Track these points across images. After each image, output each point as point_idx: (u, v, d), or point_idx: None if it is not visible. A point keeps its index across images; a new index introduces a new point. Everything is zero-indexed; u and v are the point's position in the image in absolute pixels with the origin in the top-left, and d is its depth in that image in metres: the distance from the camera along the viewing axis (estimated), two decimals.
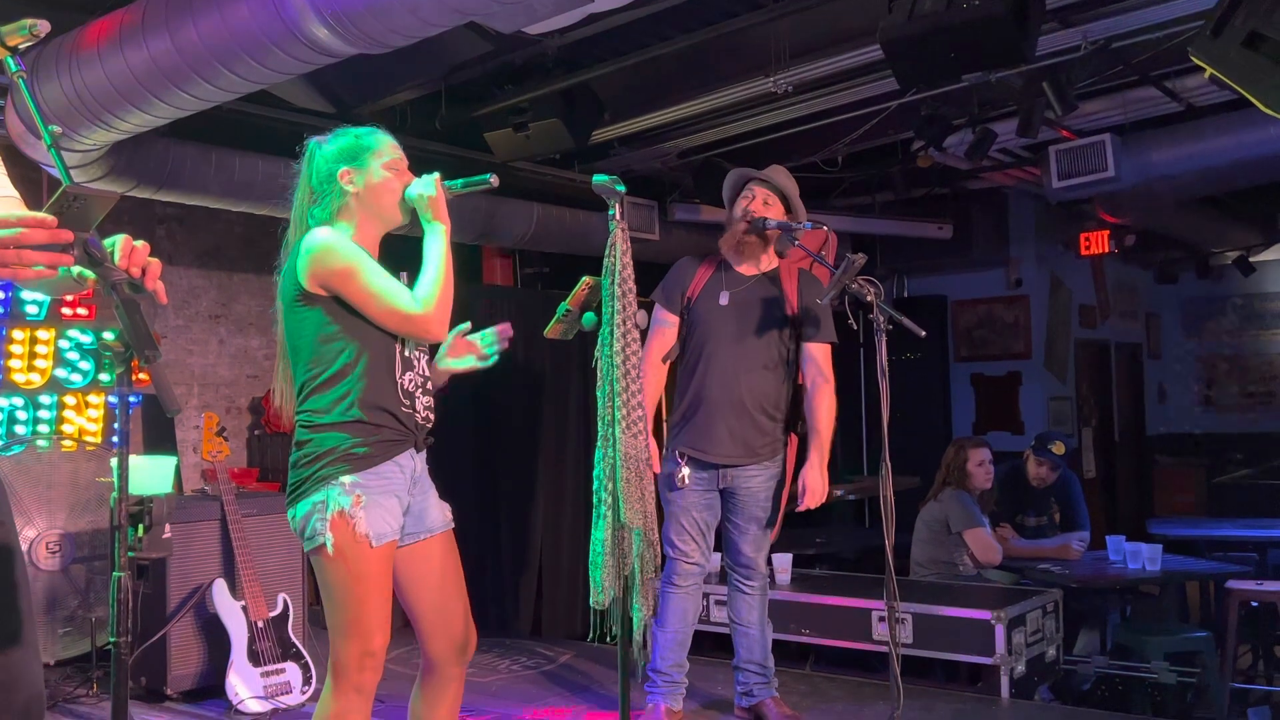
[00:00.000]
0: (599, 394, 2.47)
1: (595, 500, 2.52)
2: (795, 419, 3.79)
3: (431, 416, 2.49)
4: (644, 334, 3.43)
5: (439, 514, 2.50)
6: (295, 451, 2.39)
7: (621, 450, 2.37)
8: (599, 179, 2.43)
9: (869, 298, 3.11)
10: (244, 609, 4.18)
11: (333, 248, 2.35)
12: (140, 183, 4.66)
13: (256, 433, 6.46)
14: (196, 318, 6.26)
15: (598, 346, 2.47)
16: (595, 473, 2.54)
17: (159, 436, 5.45)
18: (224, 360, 6.38)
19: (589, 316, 2.51)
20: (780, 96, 4.97)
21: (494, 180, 2.45)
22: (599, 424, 2.50)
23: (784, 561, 5.00)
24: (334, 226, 2.45)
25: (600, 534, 2.44)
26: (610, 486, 2.43)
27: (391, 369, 2.41)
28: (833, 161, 6.42)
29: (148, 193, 4.78)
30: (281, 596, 4.30)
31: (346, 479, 2.32)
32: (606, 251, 2.42)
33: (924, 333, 3.14)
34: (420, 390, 2.48)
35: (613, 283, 2.39)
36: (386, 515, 2.35)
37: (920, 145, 5.84)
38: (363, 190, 2.48)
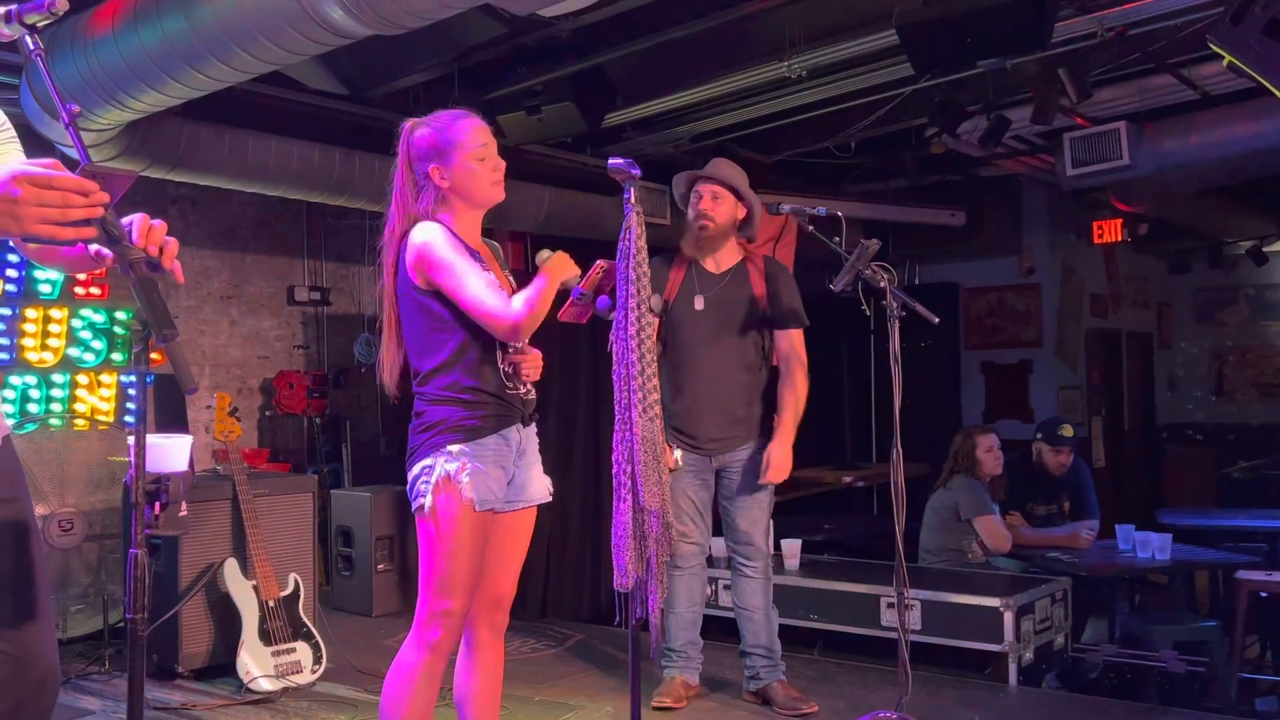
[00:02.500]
0: (615, 378, 2.47)
1: (615, 484, 2.53)
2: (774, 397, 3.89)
3: (534, 394, 2.65)
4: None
5: (540, 486, 2.68)
6: (413, 422, 2.57)
7: (639, 433, 2.38)
8: (614, 161, 2.43)
9: (882, 284, 3.11)
10: (255, 588, 4.20)
11: (431, 246, 2.50)
12: (154, 163, 4.66)
13: (268, 414, 6.49)
14: (208, 298, 6.28)
15: (612, 330, 2.47)
16: (614, 456, 2.56)
17: (170, 416, 5.47)
18: (235, 341, 6.40)
19: (603, 300, 2.51)
20: (794, 81, 4.95)
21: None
22: (616, 408, 2.50)
23: (793, 547, 5.01)
24: (435, 217, 2.59)
25: (624, 516, 2.46)
26: (629, 470, 2.44)
27: (493, 354, 2.56)
28: (846, 147, 6.40)
29: (161, 173, 4.79)
30: (292, 576, 4.32)
31: (454, 447, 2.48)
32: (621, 234, 2.42)
33: (937, 319, 3.13)
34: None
35: (628, 266, 2.39)
36: (490, 483, 2.51)
37: (934, 131, 5.81)
38: (454, 185, 2.60)
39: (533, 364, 2.61)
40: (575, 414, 6.33)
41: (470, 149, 2.60)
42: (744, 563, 3.84)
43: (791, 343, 3.85)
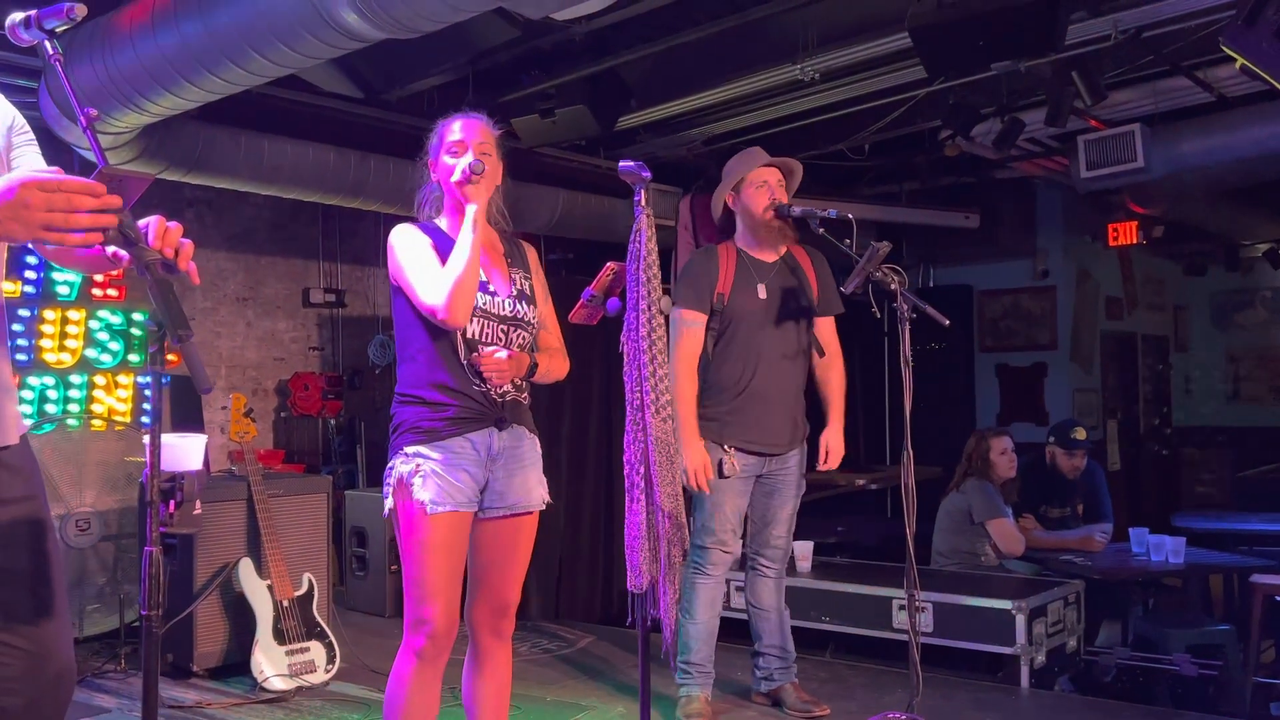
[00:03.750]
0: (626, 380, 2.49)
1: (628, 485, 2.54)
2: None
3: (520, 396, 2.61)
4: (668, 320, 3.43)
5: (525, 493, 2.60)
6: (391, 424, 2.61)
7: (653, 434, 2.39)
8: (625, 164, 2.45)
9: (893, 286, 3.11)
10: (269, 588, 4.23)
11: (393, 244, 2.55)
12: (170, 165, 4.71)
13: (283, 415, 6.53)
14: (224, 300, 6.32)
15: (623, 332, 2.49)
16: (627, 457, 2.56)
17: (185, 416, 5.51)
18: (251, 343, 6.44)
19: (613, 302, 2.53)
20: (807, 84, 4.96)
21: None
22: (627, 409, 2.52)
23: (805, 549, 5.01)
24: (442, 215, 2.65)
25: (638, 516, 2.46)
26: (643, 471, 2.45)
27: (455, 351, 2.54)
28: (859, 150, 6.39)
29: (177, 175, 4.83)
30: (306, 576, 4.35)
31: (411, 448, 2.49)
32: (632, 236, 2.43)
33: (948, 321, 3.13)
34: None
35: (638, 268, 2.40)
36: (448, 487, 2.47)
37: (948, 134, 5.81)
38: (440, 180, 2.64)
39: (491, 366, 2.53)
40: (588, 415, 6.35)
41: (445, 144, 2.61)
42: (767, 564, 3.84)
43: (831, 330, 3.88)
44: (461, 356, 2.53)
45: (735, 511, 3.73)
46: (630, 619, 2.54)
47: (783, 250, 3.80)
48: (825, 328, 3.85)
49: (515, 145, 5.33)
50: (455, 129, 2.61)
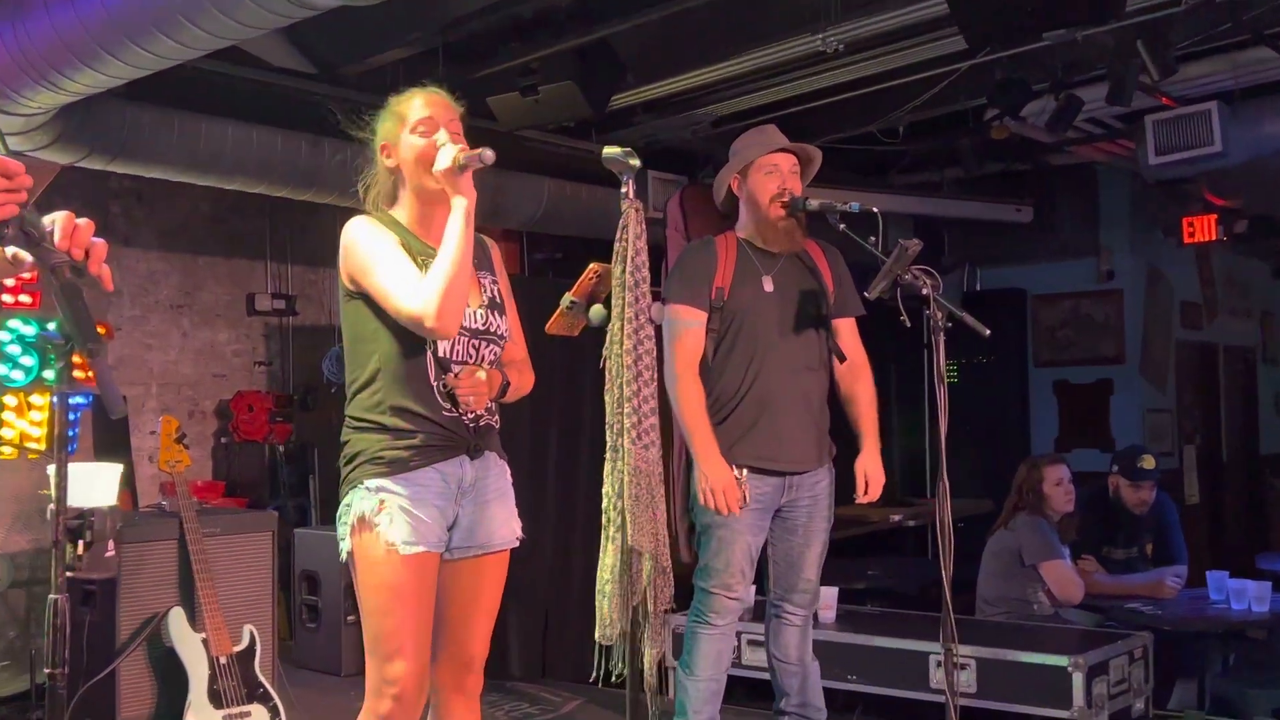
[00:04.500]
0: (607, 398, 2.50)
1: (604, 521, 2.55)
2: None
3: (491, 420, 2.64)
4: (659, 330, 3.43)
5: (495, 530, 2.63)
6: (341, 454, 2.60)
7: (630, 464, 2.39)
8: (609, 150, 2.46)
9: (925, 290, 3.12)
10: (204, 642, 4.23)
11: (355, 240, 2.54)
12: (92, 151, 4.72)
13: (223, 440, 6.54)
14: (156, 307, 6.35)
15: (606, 343, 2.50)
16: (605, 490, 2.57)
17: (111, 443, 5.53)
18: (187, 356, 6.46)
19: (597, 309, 2.54)
20: (831, 56, 4.97)
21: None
22: (607, 434, 2.53)
23: (829, 596, 5.00)
24: (399, 206, 2.65)
25: (609, 559, 2.47)
26: (618, 505, 2.46)
27: (424, 371, 2.55)
28: (892, 133, 6.41)
29: (101, 163, 4.85)
30: (248, 629, 4.35)
31: (373, 482, 2.48)
32: (618, 234, 2.45)
33: (987, 331, 3.14)
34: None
35: (624, 270, 2.41)
36: (417, 525, 2.48)
37: (995, 114, 5.82)
38: (401, 164, 2.63)
39: (469, 388, 2.54)
40: (579, 442, 6.34)
41: (410, 121, 2.61)
42: (793, 610, 3.82)
43: (854, 334, 3.87)
44: (431, 378, 2.54)
45: (746, 552, 3.68)
46: (594, 674, 2.54)
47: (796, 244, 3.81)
48: (846, 332, 3.85)
49: (492, 128, 5.36)
50: (418, 105, 2.62)
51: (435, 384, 2.55)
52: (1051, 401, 8.64)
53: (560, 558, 6.20)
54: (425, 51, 5.11)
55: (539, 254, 7.16)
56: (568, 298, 2.60)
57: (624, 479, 2.40)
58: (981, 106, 5.97)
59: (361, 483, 2.49)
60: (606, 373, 2.50)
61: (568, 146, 6.24)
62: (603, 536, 2.50)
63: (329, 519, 6.37)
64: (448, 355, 2.57)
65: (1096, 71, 5.37)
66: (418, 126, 2.60)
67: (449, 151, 2.51)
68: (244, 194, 5.74)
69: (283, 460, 6.56)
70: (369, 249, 2.52)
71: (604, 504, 2.48)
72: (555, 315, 2.64)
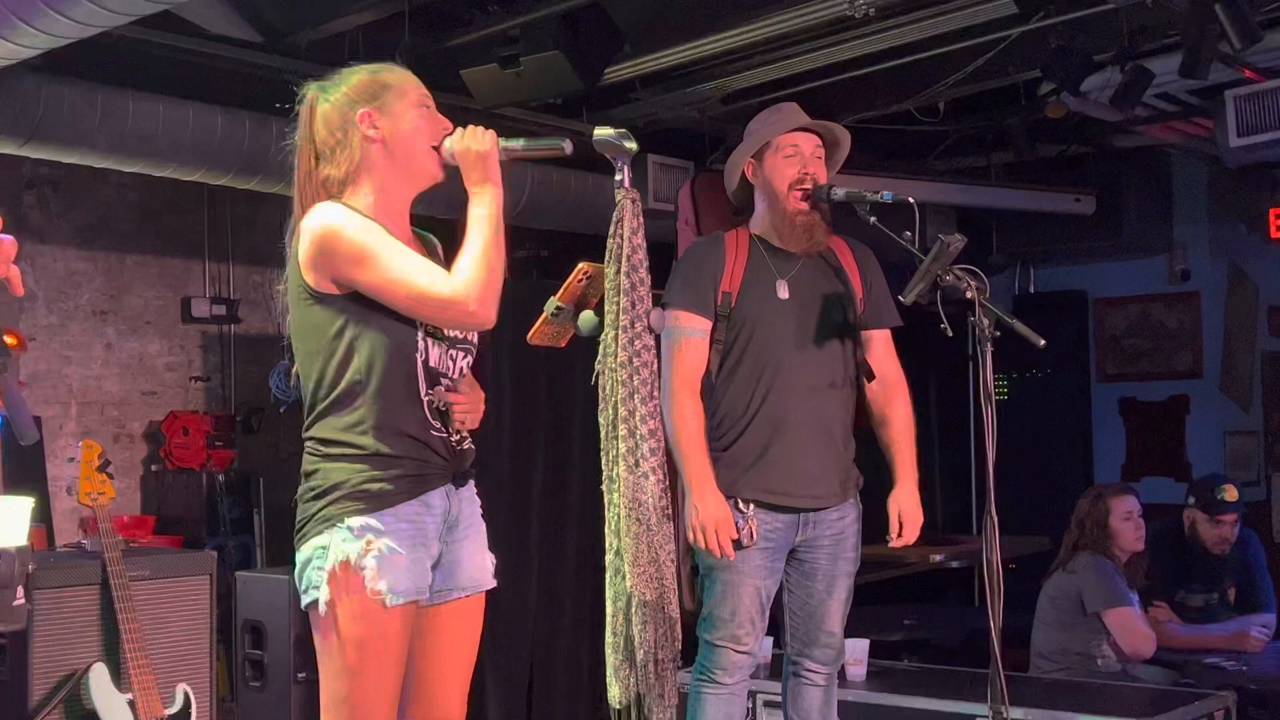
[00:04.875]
0: (601, 421, 2.50)
1: (609, 564, 2.55)
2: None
3: (470, 443, 2.66)
4: (660, 340, 3.42)
5: (475, 569, 2.65)
6: (302, 484, 2.58)
7: (627, 496, 2.39)
8: (600, 131, 2.46)
9: (969, 294, 3.12)
10: (131, 704, 4.22)
11: (339, 228, 2.51)
12: (1, 133, 4.73)
13: (154, 468, 6.54)
14: (76, 314, 6.35)
15: (599, 356, 2.50)
16: (606, 527, 2.57)
17: (24, 472, 5.52)
18: (112, 371, 6.46)
19: (587, 316, 2.53)
20: (860, 22, 4.99)
21: (568, 147, 2.59)
22: (602, 460, 2.53)
23: (858, 649, 4.99)
24: (356, 192, 2.62)
25: (613, 606, 2.47)
26: (614, 544, 2.46)
27: (414, 384, 2.56)
28: (932, 110, 6.42)
29: (11, 147, 4.85)
30: (182, 689, 4.35)
31: (356, 521, 2.47)
32: (611, 228, 2.45)
33: (1043, 341, 3.14)
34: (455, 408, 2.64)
35: (618, 271, 2.41)
36: (407, 569, 2.49)
37: (1050, 89, 5.82)
38: (389, 138, 2.62)
39: (470, 405, 2.61)
40: (567, 473, 6.34)
41: (410, 95, 2.66)
42: (815, 667, 3.81)
43: (888, 347, 3.86)
44: (422, 391, 2.56)
45: (756, 597, 3.68)
46: None
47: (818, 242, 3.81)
48: (878, 346, 3.85)
49: (466, 105, 5.36)
50: (414, 80, 2.69)
51: (426, 399, 2.56)
52: (1117, 422, 8.63)
53: (547, 602, 6.20)
54: (389, 16, 5.12)
55: (520, 251, 7.17)
56: (553, 302, 2.59)
57: (619, 513, 2.39)
58: (1035, 80, 5.97)
59: (342, 521, 2.48)
60: (599, 390, 2.50)
61: (554, 127, 6.23)
62: (608, 581, 2.49)
63: (277, 559, 6.39)
64: (438, 366, 2.59)
65: (1169, 39, 5.38)
66: (424, 101, 2.66)
67: (477, 135, 2.59)
68: (179, 183, 5.74)
69: (223, 491, 6.55)
70: (364, 236, 2.51)
71: (608, 542, 2.47)
72: (539, 323, 2.63)
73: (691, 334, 3.68)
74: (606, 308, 2.49)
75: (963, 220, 7.57)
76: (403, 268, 2.49)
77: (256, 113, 5.35)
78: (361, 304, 2.53)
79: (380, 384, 2.53)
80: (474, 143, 2.60)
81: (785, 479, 3.66)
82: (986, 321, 3.11)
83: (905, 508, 3.73)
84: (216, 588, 4.74)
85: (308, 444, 2.59)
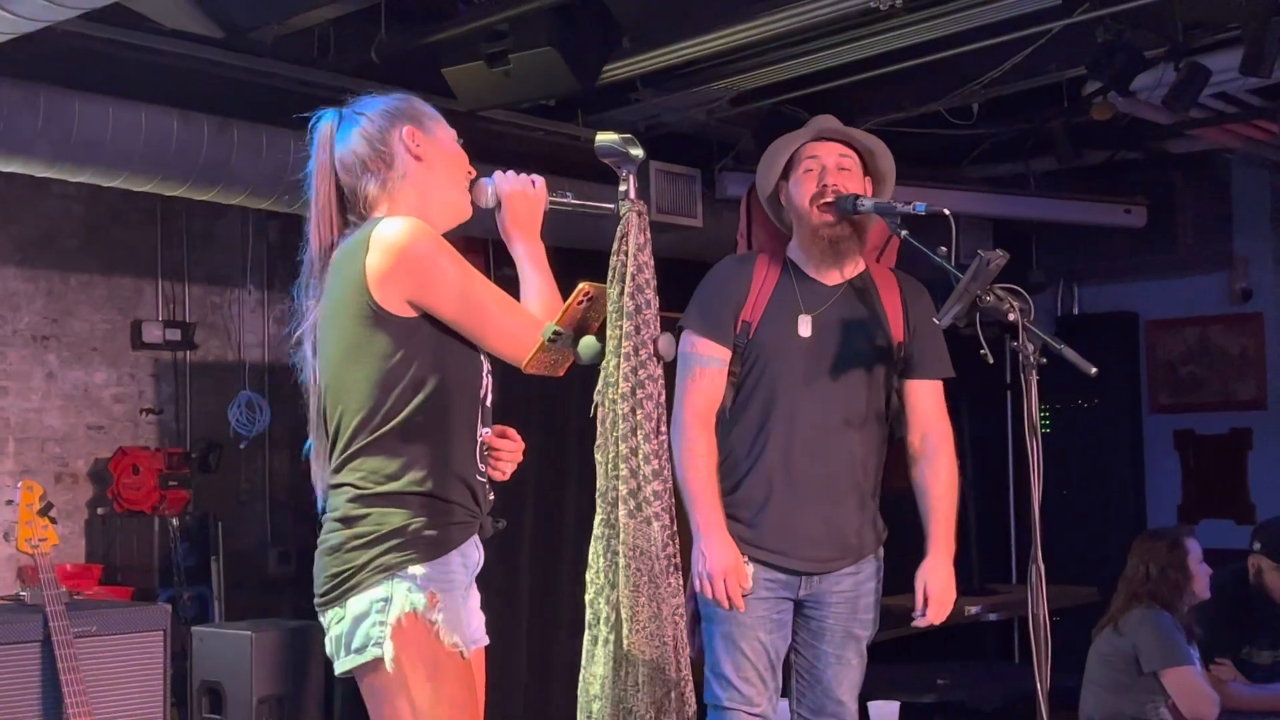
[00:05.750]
0: (599, 457, 2.49)
1: (590, 617, 2.54)
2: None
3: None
4: (673, 366, 3.42)
5: (479, 623, 2.74)
6: (339, 530, 2.57)
7: (629, 542, 2.38)
8: (603, 138, 2.47)
9: (1011, 316, 3.12)
10: None
11: (434, 249, 2.58)
12: None
13: (101, 511, 6.52)
14: (14, 339, 6.34)
15: (598, 387, 2.50)
16: (590, 574, 2.57)
17: None
18: (54, 403, 6.45)
19: (587, 342, 2.53)
20: (885, 14, 5.00)
21: (615, 210, 2.72)
22: (598, 503, 2.52)
23: (887, 713, 4.98)
24: (394, 212, 2.69)
25: (597, 668, 2.45)
26: (611, 597, 2.45)
27: (474, 423, 2.66)
28: (965, 112, 6.43)
29: None
30: None
31: (418, 570, 2.52)
32: (615, 245, 2.45)
33: (1093, 369, 3.13)
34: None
35: (622, 293, 2.41)
36: (462, 622, 2.59)
37: (1096, 88, 5.83)
38: (431, 160, 2.72)
39: (514, 450, 2.73)
40: (561, 517, 6.34)
41: (445, 124, 2.79)
42: None
43: (934, 400, 3.80)
44: (479, 431, 2.66)
45: (762, 653, 3.67)
46: None
47: (854, 270, 3.80)
48: (922, 399, 3.79)
49: (450, 108, 5.37)
50: (439, 113, 2.83)
51: (479, 442, 2.66)
52: (1173, 458, 8.62)
53: (539, 661, 6.18)
54: (363, 9, 5.13)
55: (509, 269, 7.14)
56: (550, 327, 2.59)
57: (620, 563, 2.37)
58: (1080, 79, 5.99)
59: (404, 570, 2.52)
60: (599, 424, 2.49)
61: (546, 131, 6.26)
62: (587, 637, 2.48)
63: (236, 613, 6.37)
64: (489, 405, 2.71)
65: (1228, 33, 5.40)
66: (454, 134, 2.80)
67: (539, 183, 2.79)
68: (129, 194, 5.75)
69: (177, 537, 6.53)
70: (460, 266, 2.61)
71: (588, 594, 2.46)
72: (534, 349, 2.63)
73: (708, 363, 3.67)
74: (609, 333, 2.49)
75: (1000, 234, 7.58)
76: (502, 296, 2.64)
77: (216, 116, 5.36)
78: (433, 330, 2.59)
79: (446, 421, 2.59)
80: (527, 188, 2.75)
81: (780, 537, 3.66)
82: (1031, 347, 3.10)
83: (934, 584, 3.68)
84: (170, 645, 4.72)
85: (346, 484, 2.60)
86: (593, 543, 2.51)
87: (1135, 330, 8.70)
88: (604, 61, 5.21)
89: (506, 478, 2.76)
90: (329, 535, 2.59)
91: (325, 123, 2.78)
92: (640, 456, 2.39)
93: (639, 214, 2.45)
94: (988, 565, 8.35)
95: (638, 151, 2.50)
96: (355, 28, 5.21)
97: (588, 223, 6.34)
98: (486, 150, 6.00)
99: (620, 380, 2.42)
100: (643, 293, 2.45)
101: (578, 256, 6.58)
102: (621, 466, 2.41)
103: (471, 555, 2.65)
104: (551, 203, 2.77)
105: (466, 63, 5.10)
